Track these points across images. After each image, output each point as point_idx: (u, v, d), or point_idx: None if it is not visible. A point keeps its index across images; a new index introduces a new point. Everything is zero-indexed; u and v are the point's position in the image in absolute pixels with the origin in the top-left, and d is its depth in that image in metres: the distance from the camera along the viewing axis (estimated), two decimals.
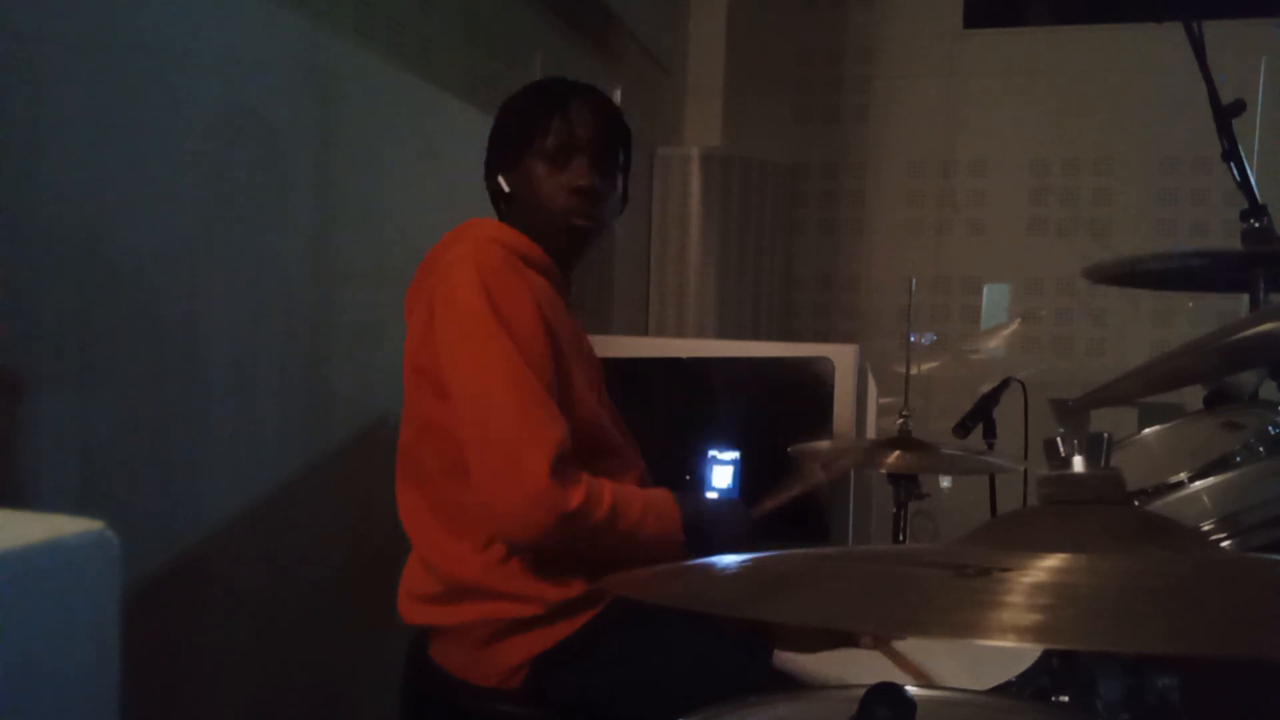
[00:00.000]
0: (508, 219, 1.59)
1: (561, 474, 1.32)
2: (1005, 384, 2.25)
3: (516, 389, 1.34)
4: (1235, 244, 1.72)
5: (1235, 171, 1.73)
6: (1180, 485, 1.43)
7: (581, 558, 1.41)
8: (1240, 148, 1.74)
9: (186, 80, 1.44)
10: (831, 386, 2.34)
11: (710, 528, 1.54)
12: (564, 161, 1.54)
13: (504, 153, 1.59)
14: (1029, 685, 1.26)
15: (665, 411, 2.40)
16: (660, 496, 1.48)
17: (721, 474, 2.32)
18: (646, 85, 3.74)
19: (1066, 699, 0.94)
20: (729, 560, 0.71)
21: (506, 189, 1.58)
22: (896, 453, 1.74)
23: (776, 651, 1.47)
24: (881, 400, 2.82)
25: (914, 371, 4.11)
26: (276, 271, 1.66)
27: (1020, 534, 0.70)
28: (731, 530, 1.57)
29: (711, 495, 2.30)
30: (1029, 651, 1.30)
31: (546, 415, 1.35)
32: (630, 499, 1.41)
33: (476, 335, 1.37)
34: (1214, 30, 1.70)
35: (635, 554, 1.38)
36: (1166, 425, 1.71)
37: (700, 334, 3.90)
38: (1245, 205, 1.71)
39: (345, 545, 1.86)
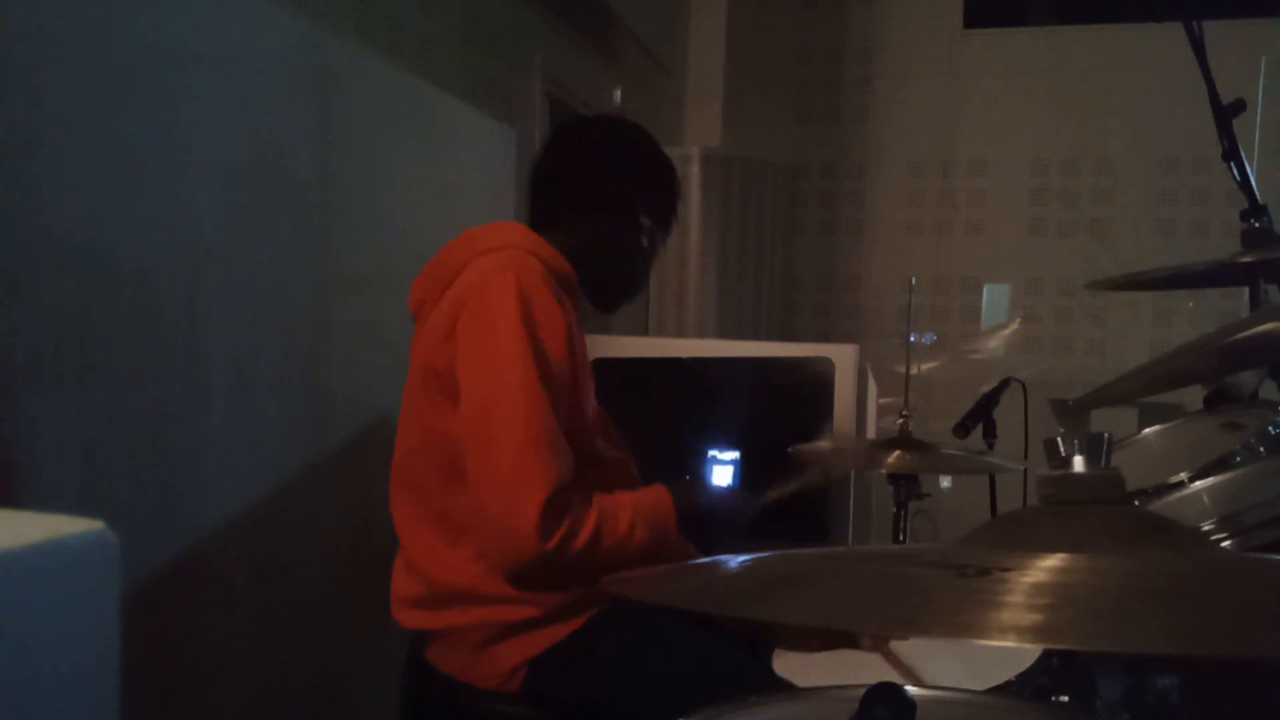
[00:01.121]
0: (570, 236, 1.55)
1: (549, 512, 1.30)
2: (1005, 384, 2.25)
3: (528, 418, 1.33)
4: (1235, 244, 1.72)
5: (1235, 171, 1.73)
6: (1180, 485, 1.43)
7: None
8: (1240, 148, 1.74)
9: (186, 80, 1.44)
10: (831, 386, 2.34)
11: (711, 517, 1.54)
12: (660, 250, 1.68)
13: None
14: (1029, 685, 1.26)
15: (665, 411, 2.41)
16: (652, 499, 1.46)
17: (721, 474, 2.32)
18: (646, 85, 3.74)
19: (1066, 699, 0.94)
20: (729, 560, 0.71)
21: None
22: (896, 453, 1.73)
23: (776, 656, 1.47)
24: (881, 400, 2.82)
25: (914, 371, 4.10)
26: (276, 271, 1.66)
27: (1020, 534, 0.70)
28: (733, 517, 1.57)
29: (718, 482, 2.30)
30: (1029, 651, 1.30)
31: (552, 450, 1.33)
32: (617, 512, 1.40)
33: (504, 354, 1.34)
34: (1214, 30, 1.70)
35: (629, 562, 1.38)
36: (1166, 425, 1.71)
37: (700, 334, 3.90)
38: (1245, 205, 1.71)
39: (345, 545, 1.86)
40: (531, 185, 1.63)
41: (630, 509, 1.42)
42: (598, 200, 1.57)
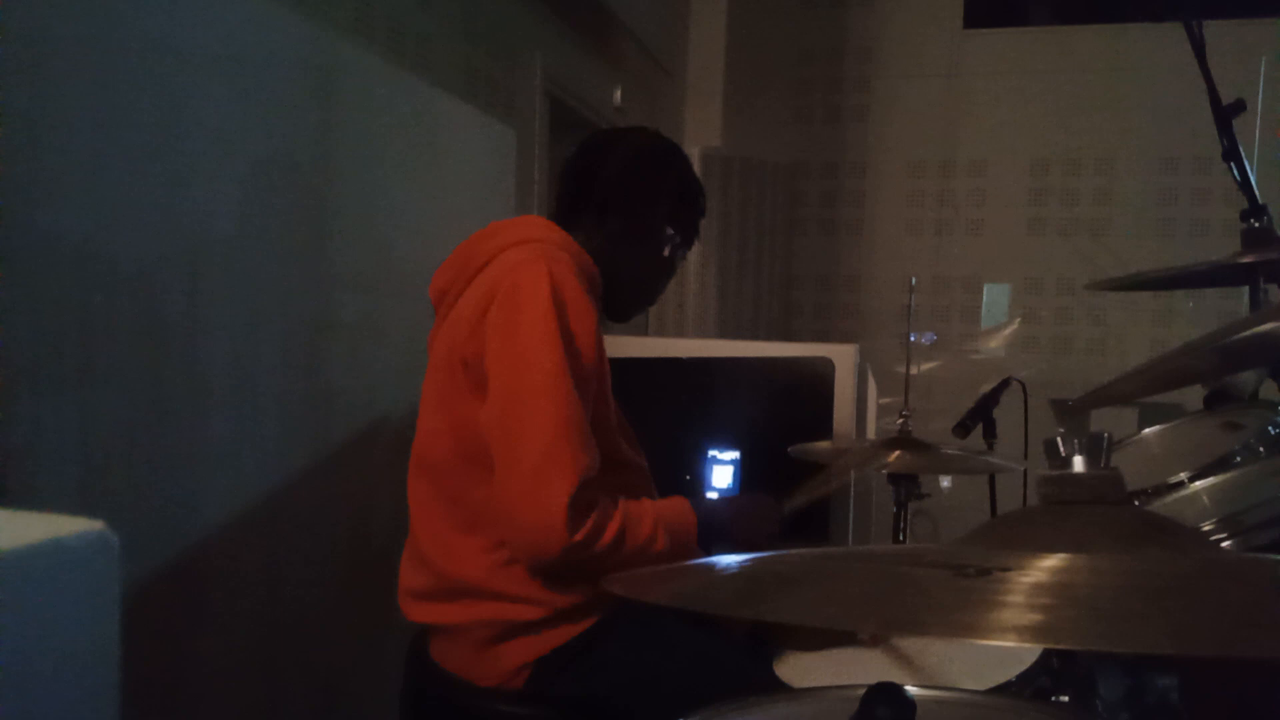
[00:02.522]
0: (593, 240, 1.56)
1: (576, 505, 1.30)
2: (1005, 384, 2.25)
3: (557, 410, 1.32)
4: (1235, 244, 1.72)
5: (1235, 171, 1.73)
6: (1180, 485, 1.43)
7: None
8: (1240, 148, 1.74)
9: (186, 80, 1.44)
10: (831, 386, 2.34)
11: (734, 529, 1.53)
12: (680, 263, 1.70)
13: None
14: (1029, 685, 1.26)
15: (665, 411, 2.40)
16: (675, 510, 1.46)
17: (721, 474, 2.32)
18: (646, 85, 3.74)
19: (1066, 699, 0.94)
20: (729, 560, 0.71)
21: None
22: (896, 453, 1.74)
23: (776, 656, 1.47)
24: (881, 400, 2.82)
25: (914, 371, 4.11)
26: (276, 271, 1.66)
27: (1020, 534, 0.70)
28: (757, 527, 1.57)
29: (713, 495, 2.30)
30: (1029, 651, 1.30)
31: (579, 442, 1.33)
32: (640, 517, 1.40)
33: (535, 345, 1.34)
34: (1214, 30, 1.70)
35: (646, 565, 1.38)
36: (1166, 425, 1.71)
37: (700, 334, 3.90)
38: (1245, 205, 1.71)
39: (345, 545, 1.86)
40: (558, 187, 1.64)
41: (653, 515, 1.42)
42: (625, 208, 1.59)
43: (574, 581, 1.41)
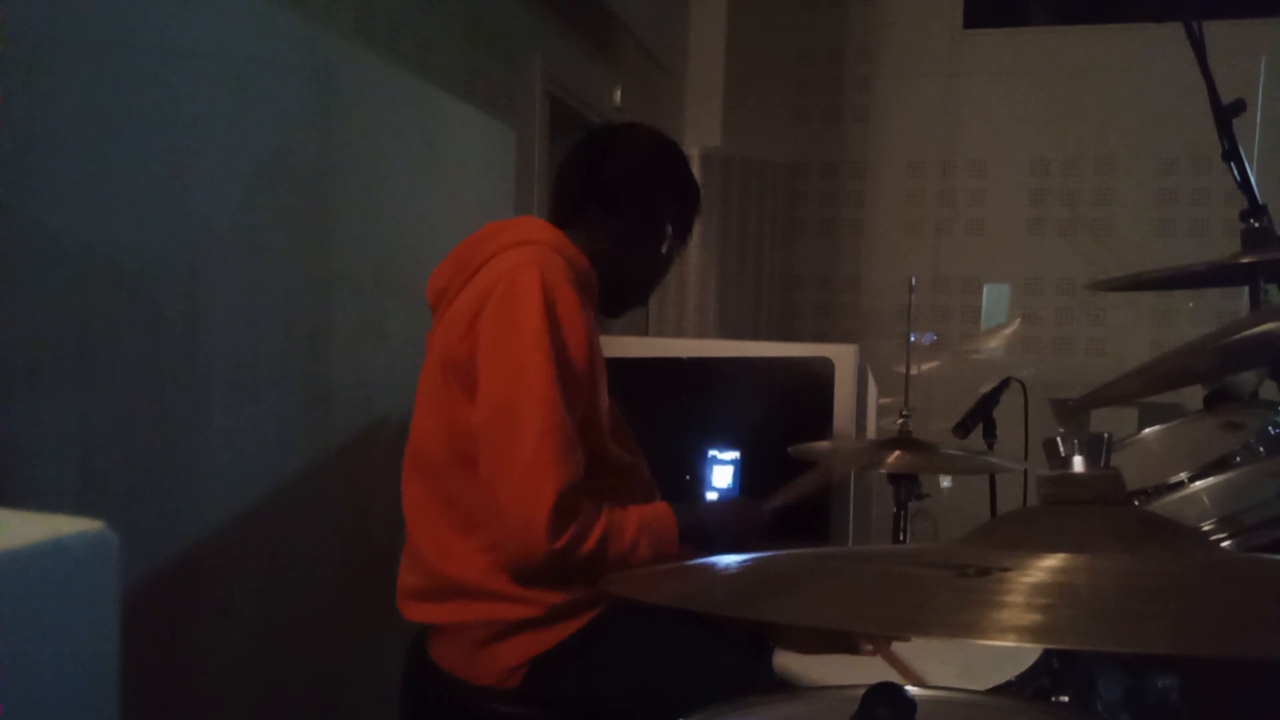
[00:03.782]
0: (592, 237, 1.57)
1: (560, 512, 1.31)
2: (1005, 384, 2.25)
3: (545, 417, 1.33)
4: (1235, 243, 1.72)
5: (1235, 171, 1.73)
6: (1180, 485, 1.43)
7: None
8: (1240, 148, 1.74)
9: (186, 80, 1.44)
10: (831, 386, 2.34)
11: (716, 533, 1.54)
12: (677, 259, 1.73)
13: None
14: (1029, 685, 1.26)
15: (665, 411, 2.41)
16: (657, 515, 1.47)
17: (721, 474, 2.32)
18: (646, 85, 3.74)
19: (1066, 699, 0.94)
20: (729, 560, 0.71)
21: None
22: (896, 453, 1.73)
23: (776, 656, 1.47)
24: (881, 400, 2.82)
25: (914, 371, 4.11)
26: (276, 271, 1.66)
27: (1020, 534, 0.70)
28: (740, 530, 1.57)
29: (712, 495, 2.30)
30: (1029, 651, 1.30)
31: (566, 450, 1.33)
32: (623, 525, 1.40)
33: (525, 351, 1.35)
34: (1214, 30, 1.70)
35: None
36: (1166, 425, 1.71)
37: (700, 334, 3.91)
38: (1245, 205, 1.71)
39: (345, 545, 1.86)
40: (558, 184, 1.64)
41: (636, 523, 1.42)
42: (631, 210, 1.59)
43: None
